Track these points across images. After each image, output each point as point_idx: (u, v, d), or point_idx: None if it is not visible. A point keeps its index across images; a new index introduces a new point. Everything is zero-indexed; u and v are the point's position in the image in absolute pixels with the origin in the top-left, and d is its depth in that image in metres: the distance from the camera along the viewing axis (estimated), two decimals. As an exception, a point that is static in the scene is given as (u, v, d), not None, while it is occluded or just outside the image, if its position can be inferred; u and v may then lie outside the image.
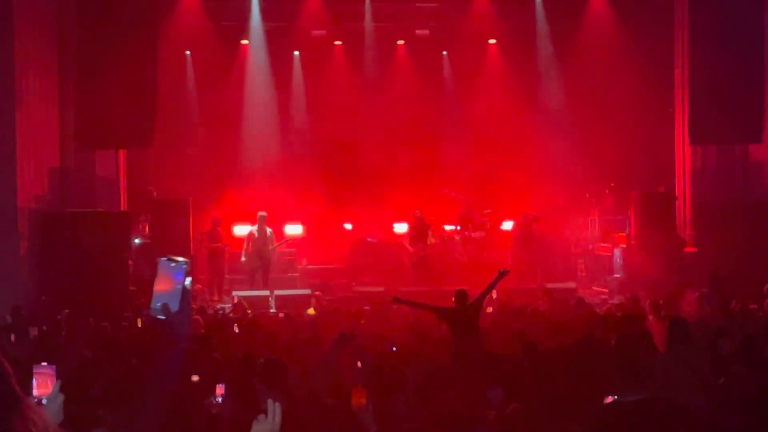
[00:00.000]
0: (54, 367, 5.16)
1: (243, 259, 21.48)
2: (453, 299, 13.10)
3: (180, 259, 4.20)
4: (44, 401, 4.04)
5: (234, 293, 20.30)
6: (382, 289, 19.59)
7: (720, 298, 15.22)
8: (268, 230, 21.61)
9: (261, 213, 21.61)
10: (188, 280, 4.18)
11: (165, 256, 4.21)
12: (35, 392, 4.96)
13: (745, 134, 20.75)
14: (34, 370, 5.13)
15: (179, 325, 4.15)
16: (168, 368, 4.18)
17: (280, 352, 10.66)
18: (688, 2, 21.02)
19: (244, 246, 21.63)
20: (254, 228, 21.62)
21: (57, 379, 4.18)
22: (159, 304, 4.13)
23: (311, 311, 17.20)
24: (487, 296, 14.33)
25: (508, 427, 6.99)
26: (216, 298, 21.34)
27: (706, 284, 16.80)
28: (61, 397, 3.99)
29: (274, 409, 3.99)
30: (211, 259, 21.79)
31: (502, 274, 13.39)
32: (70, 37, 19.86)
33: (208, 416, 7.73)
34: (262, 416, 3.97)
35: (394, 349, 11.59)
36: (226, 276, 22.18)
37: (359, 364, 9.86)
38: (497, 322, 14.38)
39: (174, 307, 4.12)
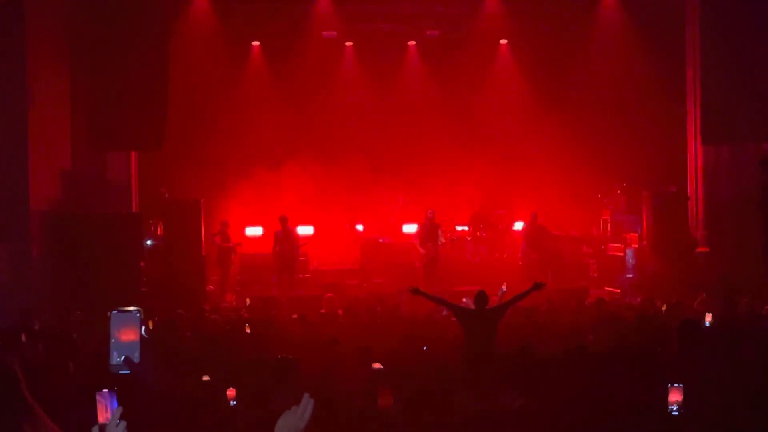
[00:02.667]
0: (114, 393, 5.08)
1: None
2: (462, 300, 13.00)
3: (131, 308, 4.15)
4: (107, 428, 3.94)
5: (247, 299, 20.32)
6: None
7: (727, 299, 15.17)
8: (297, 230, 21.75)
9: (282, 216, 21.69)
10: (143, 329, 4.13)
11: (115, 309, 4.15)
12: (99, 419, 4.87)
13: (757, 133, 20.67)
14: (97, 396, 5.04)
15: (144, 374, 4.10)
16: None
17: (294, 352, 10.65)
18: (700, 1, 20.96)
19: (272, 247, 21.68)
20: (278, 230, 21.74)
21: (119, 406, 4.06)
22: (120, 359, 4.06)
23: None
24: (499, 291, 14.28)
25: (517, 423, 6.98)
26: (228, 297, 21.41)
27: (716, 285, 16.77)
28: (123, 424, 3.73)
29: (307, 404, 3.93)
30: (220, 260, 21.88)
31: (537, 286, 12.76)
32: (81, 40, 19.89)
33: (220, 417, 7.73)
34: (294, 408, 3.91)
35: (425, 348, 11.55)
36: (238, 277, 22.24)
37: (379, 366, 9.82)
38: (507, 323, 14.31)
39: (136, 358, 4.07)
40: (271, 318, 15.51)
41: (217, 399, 8.34)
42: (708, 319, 12.62)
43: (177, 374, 8.92)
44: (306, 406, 3.90)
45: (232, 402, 8.58)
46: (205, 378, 9.09)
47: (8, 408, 3.24)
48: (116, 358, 4.04)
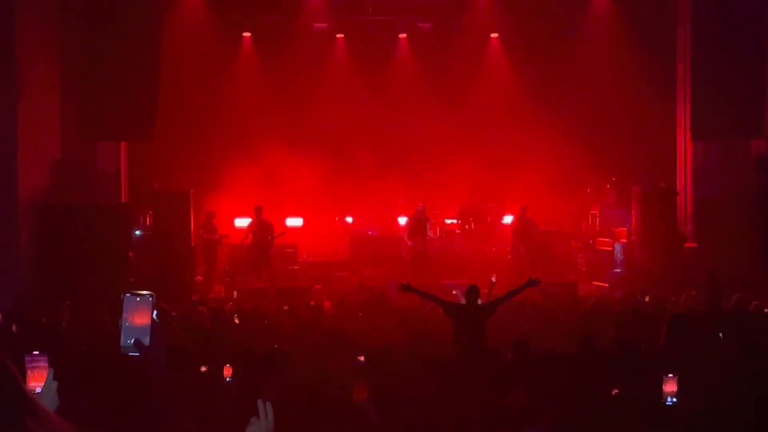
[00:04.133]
0: (46, 356, 5.10)
1: None
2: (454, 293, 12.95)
3: (144, 292, 4.17)
4: (38, 390, 4.03)
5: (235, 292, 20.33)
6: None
7: (713, 294, 15.24)
8: (286, 221, 21.79)
9: (257, 205, 21.67)
10: (155, 313, 4.16)
11: (129, 292, 4.17)
12: (30, 383, 4.90)
13: (746, 130, 20.74)
14: (26, 359, 5.05)
15: (154, 359, 4.14)
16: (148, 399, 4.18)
17: (283, 344, 10.67)
18: (691, -2, 21.02)
19: (243, 237, 21.71)
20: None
21: (50, 367, 4.15)
22: (131, 341, 4.09)
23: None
24: (489, 284, 14.28)
25: (510, 416, 7.00)
26: (216, 288, 21.40)
27: (705, 280, 16.84)
28: (55, 384, 3.95)
29: (265, 409, 3.99)
30: (206, 251, 21.85)
31: (531, 283, 12.69)
32: (71, 29, 19.82)
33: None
34: (254, 418, 3.97)
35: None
36: (227, 268, 22.23)
37: (361, 358, 9.84)
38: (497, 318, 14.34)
39: (146, 342, 4.10)
40: (259, 309, 15.53)
41: (209, 387, 8.36)
42: None
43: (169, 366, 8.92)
44: (265, 412, 3.97)
45: (228, 379, 8.70)
46: (203, 369, 9.10)
47: (10, 405, 3.24)
48: (127, 341, 4.07)
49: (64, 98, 20.05)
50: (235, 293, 19.82)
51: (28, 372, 4.94)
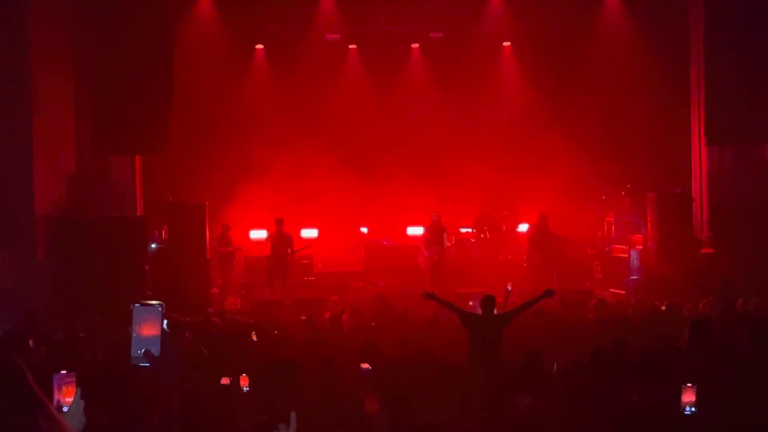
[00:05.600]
0: (74, 374, 5.14)
1: None
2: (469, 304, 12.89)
3: (154, 302, 4.18)
4: (65, 408, 4.03)
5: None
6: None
7: (727, 299, 15.16)
8: (301, 233, 21.75)
9: (278, 218, 21.68)
10: (165, 323, 4.16)
11: (138, 302, 4.18)
12: (56, 399, 4.93)
13: (761, 135, 20.64)
14: (54, 378, 5.09)
15: (164, 368, 4.15)
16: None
17: (296, 355, 10.64)
18: (704, 2, 20.93)
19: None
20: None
21: (77, 386, 4.16)
22: (141, 351, 4.10)
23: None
24: (504, 292, 14.24)
25: (522, 423, 6.97)
26: (231, 300, 21.41)
27: (719, 286, 16.75)
28: (82, 403, 3.96)
29: (292, 418, 3.99)
30: (222, 264, 21.89)
31: (547, 294, 12.61)
32: (86, 43, 19.89)
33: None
34: (282, 426, 3.97)
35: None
36: (243, 280, 22.25)
37: (366, 366, 9.80)
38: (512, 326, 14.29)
39: (156, 352, 4.10)
40: (275, 320, 15.51)
41: (224, 399, 8.36)
42: None
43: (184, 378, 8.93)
44: (292, 422, 3.98)
45: (245, 389, 8.70)
46: (225, 381, 9.05)
47: (22, 402, 3.26)
48: (137, 351, 4.07)
49: (78, 112, 20.12)
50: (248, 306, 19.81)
51: (56, 390, 4.95)
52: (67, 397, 4.75)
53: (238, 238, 22.73)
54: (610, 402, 7.32)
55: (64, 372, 5.13)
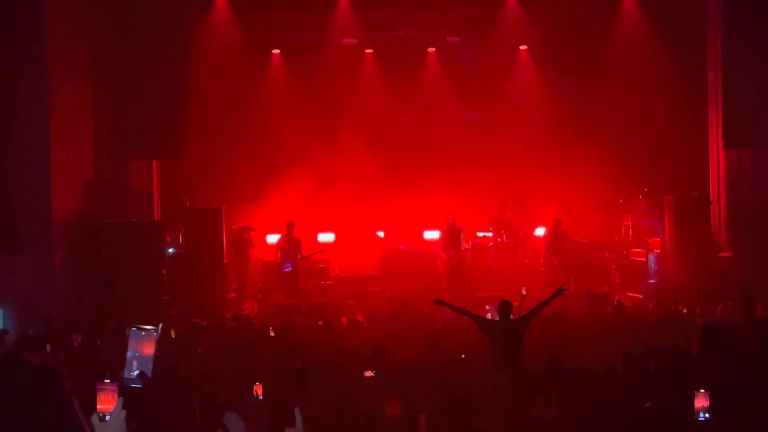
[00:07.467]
0: (117, 383, 5.19)
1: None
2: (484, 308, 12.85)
3: (149, 327, 4.29)
4: (107, 417, 4.08)
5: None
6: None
7: (746, 304, 15.09)
8: (318, 237, 21.83)
9: (289, 221, 21.71)
10: (156, 347, 4.27)
11: (135, 326, 4.29)
12: (99, 408, 4.99)
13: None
14: (98, 387, 5.15)
15: (156, 390, 4.24)
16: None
17: (315, 360, 10.66)
18: (721, 5, 20.87)
19: (275, 254, 21.76)
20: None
21: (119, 396, 4.23)
22: (135, 373, 4.21)
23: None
24: (519, 297, 14.20)
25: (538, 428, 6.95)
26: (248, 305, 21.43)
27: (737, 290, 16.69)
28: (123, 413, 4.01)
29: (297, 415, 4.06)
30: (238, 267, 21.92)
31: (560, 291, 12.61)
32: (103, 49, 19.98)
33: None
34: (289, 429, 4.03)
35: (464, 356, 11.45)
36: (260, 285, 22.28)
37: (369, 373, 9.80)
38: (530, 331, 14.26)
39: (149, 372, 4.22)
40: (293, 325, 15.53)
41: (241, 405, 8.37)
42: None
43: (195, 384, 8.95)
44: (298, 419, 4.06)
45: (259, 397, 8.71)
46: (258, 391, 8.98)
47: (58, 408, 3.33)
48: (131, 372, 4.18)
49: (95, 118, 20.20)
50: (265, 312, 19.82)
51: (99, 398, 5.01)
52: (108, 405, 4.81)
53: (255, 242, 22.75)
54: (627, 409, 7.30)
55: (107, 381, 5.19)
